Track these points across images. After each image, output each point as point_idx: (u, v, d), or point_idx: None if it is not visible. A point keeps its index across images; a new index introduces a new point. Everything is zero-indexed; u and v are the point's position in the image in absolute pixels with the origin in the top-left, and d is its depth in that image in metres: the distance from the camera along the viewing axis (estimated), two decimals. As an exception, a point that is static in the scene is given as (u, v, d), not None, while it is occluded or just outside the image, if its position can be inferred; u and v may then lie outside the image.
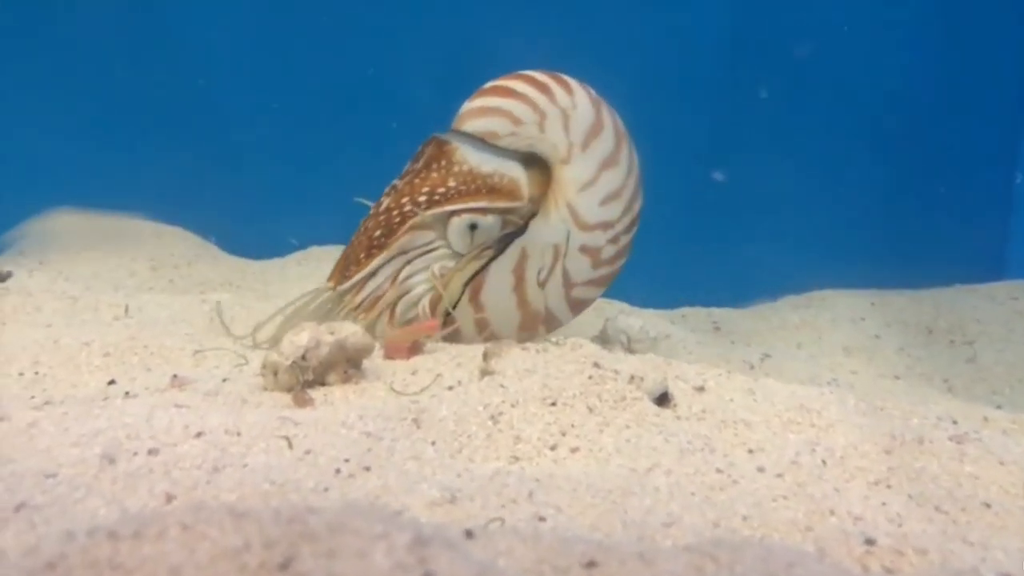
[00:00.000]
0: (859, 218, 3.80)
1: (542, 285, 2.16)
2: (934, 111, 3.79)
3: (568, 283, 2.20)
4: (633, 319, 2.34)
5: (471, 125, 2.11)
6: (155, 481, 1.05)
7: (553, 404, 1.47)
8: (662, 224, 4.00)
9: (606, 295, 3.59)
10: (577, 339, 1.69)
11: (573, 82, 2.24)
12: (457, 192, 2.04)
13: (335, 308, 2.05)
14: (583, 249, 2.18)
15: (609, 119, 2.25)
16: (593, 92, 2.28)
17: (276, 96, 3.92)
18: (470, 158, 2.08)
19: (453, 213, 2.04)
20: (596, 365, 1.55)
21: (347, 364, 1.70)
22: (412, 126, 2.41)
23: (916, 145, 3.86)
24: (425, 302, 2.07)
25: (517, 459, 1.35)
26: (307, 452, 1.19)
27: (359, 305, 2.05)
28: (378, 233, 2.05)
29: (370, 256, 2.03)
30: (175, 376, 1.90)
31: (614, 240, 2.23)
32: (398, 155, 2.34)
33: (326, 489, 1.06)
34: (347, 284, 2.05)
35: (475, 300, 2.14)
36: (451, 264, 2.08)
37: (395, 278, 2.05)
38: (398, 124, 3.62)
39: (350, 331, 1.69)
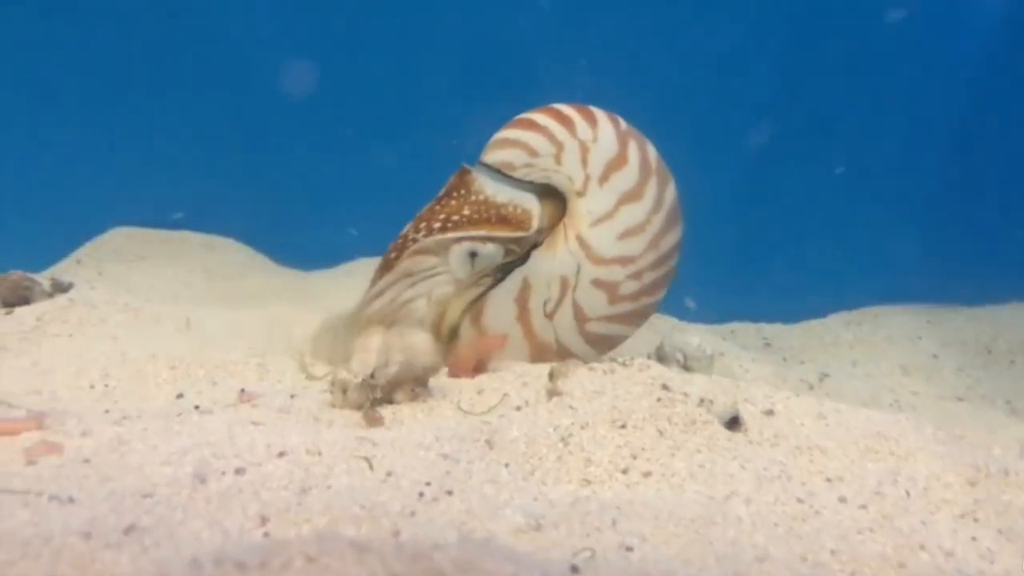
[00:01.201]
0: (913, 233, 3.74)
1: (549, 316, 2.15)
2: (993, 124, 3.73)
3: (581, 317, 2.17)
4: (690, 336, 2.32)
5: (491, 156, 2.16)
6: (246, 502, 1.07)
7: (623, 426, 1.47)
8: (710, 239, 3.99)
9: (661, 311, 3.60)
10: (644, 360, 1.69)
11: (601, 115, 2.23)
12: (468, 220, 2.08)
13: (353, 323, 2.11)
14: (597, 283, 2.15)
15: (636, 153, 2.21)
16: (624, 124, 2.26)
17: (323, 109, 3.96)
18: (487, 188, 2.12)
19: (455, 240, 2.07)
20: (665, 387, 1.55)
21: (414, 382, 1.72)
22: (469, 144, 2.43)
23: (972, 158, 3.80)
24: (427, 325, 2.09)
25: (589, 482, 1.35)
26: (388, 474, 1.20)
27: (369, 320, 2.08)
28: (393, 255, 2.12)
29: (382, 275, 2.10)
30: (243, 391, 1.94)
31: (636, 276, 2.18)
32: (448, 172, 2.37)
33: (412, 513, 1.07)
34: (361, 301, 2.12)
35: (476, 325, 2.13)
36: (449, 290, 2.11)
37: (395, 299, 2.10)
38: (457, 140, 3.64)
39: (419, 350, 1.70)
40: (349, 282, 3.70)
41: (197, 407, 1.88)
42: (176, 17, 3.87)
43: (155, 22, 3.83)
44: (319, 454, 1.26)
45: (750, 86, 3.76)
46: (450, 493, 1.15)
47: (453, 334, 2.15)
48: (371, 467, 1.22)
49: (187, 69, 3.89)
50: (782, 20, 3.76)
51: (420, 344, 1.71)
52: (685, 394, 1.52)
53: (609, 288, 2.17)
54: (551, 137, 2.16)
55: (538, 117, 2.20)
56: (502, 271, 2.12)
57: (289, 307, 2.88)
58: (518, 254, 2.13)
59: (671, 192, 2.28)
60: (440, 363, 1.71)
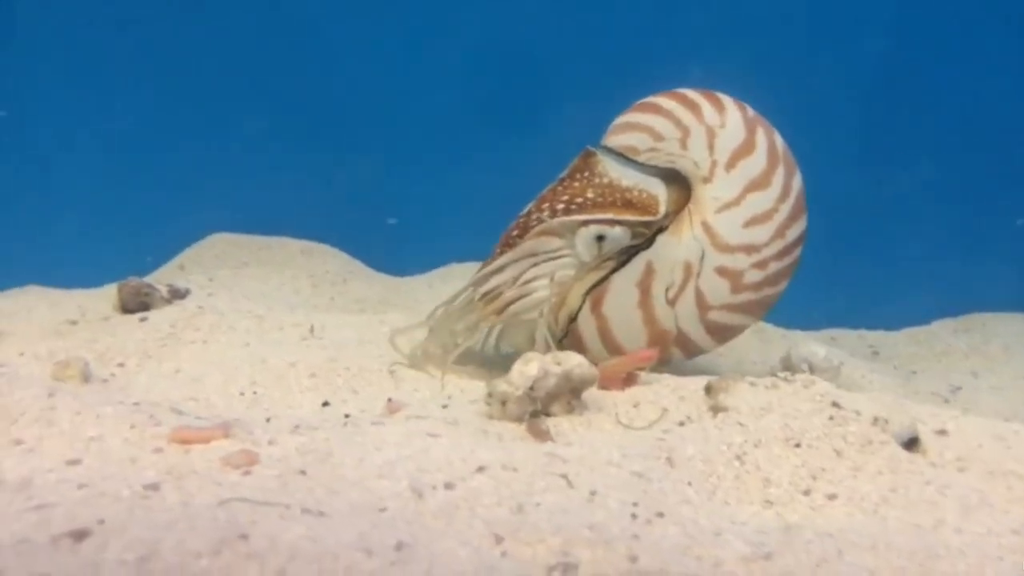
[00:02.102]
0: (1021, 235, 3.64)
1: (671, 303, 2.15)
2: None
3: (703, 305, 2.17)
4: (816, 346, 2.31)
5: (614, 140, 2.17)
6: (469, 518, 1.10)
7: (797, 445, 1.46)
8: (808, 240, 3.94)
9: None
10: (807, 375, 1.68)
11: (728, 100, 2.23)
12: (593, 203, 2.08)
13: (469, 298, 2.13)
14: (721, 271, 2.14)
15: (764, 140, 2.21)
16: (751, 111, 2.26)
17: (409, 113, 3.99)
18: (611, 171, 2.13)
19: (583, 223, 2.08)
20: (835, 405, 1.54)
21: (570, 395, 1.73)
22: (563, 144, 2.44)
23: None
24: (546, 307, 2.11)
25: (770, 503, 1.35)
26: (592, 493, 1.22)
27: (483, 295, 2.09)
28: (515, 233, 2.11)
29: (503, 253, 2.10)
30: (390, 400, 1.98)
31: (760, 265, 2.16)
32: (543, 174, 2.37)
33: (635, 536, 1.08)
34: (478, 275, 2.12)
35: (597, 310, 2.15)
36: (572, 272, 2.11)
37: (517, 278, 2.09)
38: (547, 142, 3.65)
39: (575, 362, 1.72)
40: (446, 288, 3.74)
41: (347, 416, 1.92)
42: (271, 21, 3.93)
43: (250, 26, 3.90)
44: (515, 470, 1.28)
45: (854, 74, 3.69)
46: (661, 515, 1.16)
47: (572, 320, 2.16)
48: (571, 485, 1.24)
49: (281, 72, 3.95)
50: (887, 9, 3.68)
51: (575, 359, 1.73)
52: (857, 412, 1.51)
53: (733, 276, 2.16)
54: (677, 122, 2.16)
55: (663, 101, 2.20)
56: (626, 255, 2.13)
57: (401, 314, 2.92)
58: (644, 238, 2.13)
59: (798, 181, 2.27)
60: (596, 375, 1.71)
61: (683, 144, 2.16)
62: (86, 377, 2.03)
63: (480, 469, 1.26)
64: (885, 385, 2.35)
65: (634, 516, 1.15)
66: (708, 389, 1.70)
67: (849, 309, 3.75)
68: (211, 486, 1.18)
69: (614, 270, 2.14)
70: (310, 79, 3.83)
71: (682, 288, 2.15)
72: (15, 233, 3.67)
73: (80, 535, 0.84)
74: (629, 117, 2.19)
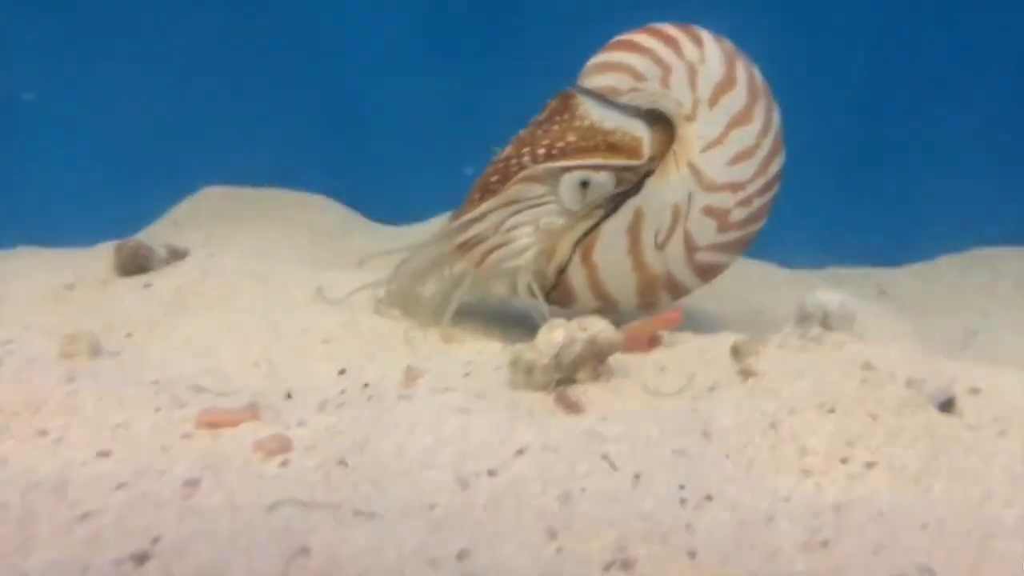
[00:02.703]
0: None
1: (661, 247, 2.12)
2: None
3: (691, 246, 2.14)
4: (832, 294, 2.27)
5: (593, 81, 2.09)
6: (521, 513, 1.08)
7: (831, 411, 1.45)
8: (801, 176, 3.90)
9: (758, 255, 3.55)
10: (838, 335, 1.67)
11: (706, 35, 2.17)
12: (575, 148, 2.02)
13: (443, 244, 2.08)
14: (708, 211, 2.11)
15: (744, 74, 2.16)
16: (729, 45, 2.20)
17: (407, 60, 3.87)
18: (593, 113, 2.06)
19: (566, 169, 2.02)
20: (868, 367, 1.53)
21: (596, 361, 1.71)
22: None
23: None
24: (530, 255, 2.05)
25: (808, 472, 1.35)
26: (636, 476, 1.21)
27: (462, 244, 2.05)
28: (494, 179, 2.05)
29: (483, 200, 2.03)
30: (408, 367, 1.95)
31: (745, 202, 2.14)
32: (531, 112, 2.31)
33: (688, 526, 1.08)
34: (455, 223, 2.06)
35: (587, 260, 2.11)
36: (557, 220, 2.05)
37: (499, 226, 2.05)
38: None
39: (600, 327, 1.69)
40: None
41: (366, 385, 1.90)
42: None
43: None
44: (555, 451, 1.27)
45: (855, 12, 3.60)
46: (709, 498, 1.15)
47: (561, 271, 2.13)
48: (614, 467, 1.23)
49: (267, 21, 3.81)
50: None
51: (600, 324, 1.70)
52: (891, 374, 1.50)
53: (720, 215, 2.14)
54: (657, 59, 2.10)
55: (641, 38, 2.13)
56: (614, 202, 2.09)
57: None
58: (631, 183, 2.09)
59: (777, 115, 2.24)
60: (621, 339, 1.69)
61: (664, 83, 2.09)
62: (96, 351, 1.98)
63: (520, 452, 1.25)
64: (899, 332, 2.35)
65: (683, 501, 1.14)
66: (735, 352, 1.68)
67: (850, 245, 3.73)
68: (252, 480, 1.16)
69: (603, 218, 2.09)
70: (300, 27, 3.69)
71: (671, 231, 2.12)
72: (1, 192, 3.57)
73: (140, 559, 0.82)
74: (606, 56, 2.11)
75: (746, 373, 1.60)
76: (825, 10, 3.64)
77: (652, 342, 1.83)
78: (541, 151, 2.03)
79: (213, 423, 1.44)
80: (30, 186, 3.57)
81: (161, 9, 3.62)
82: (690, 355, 1.74)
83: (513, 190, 2.03)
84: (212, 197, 3.76)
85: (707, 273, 2.26)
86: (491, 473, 1.18)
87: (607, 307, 2.18)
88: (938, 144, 3.68)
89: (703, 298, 2.76)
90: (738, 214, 2.17)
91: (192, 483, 1.14)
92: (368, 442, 1.26)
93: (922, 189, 3.71)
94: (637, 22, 2.27)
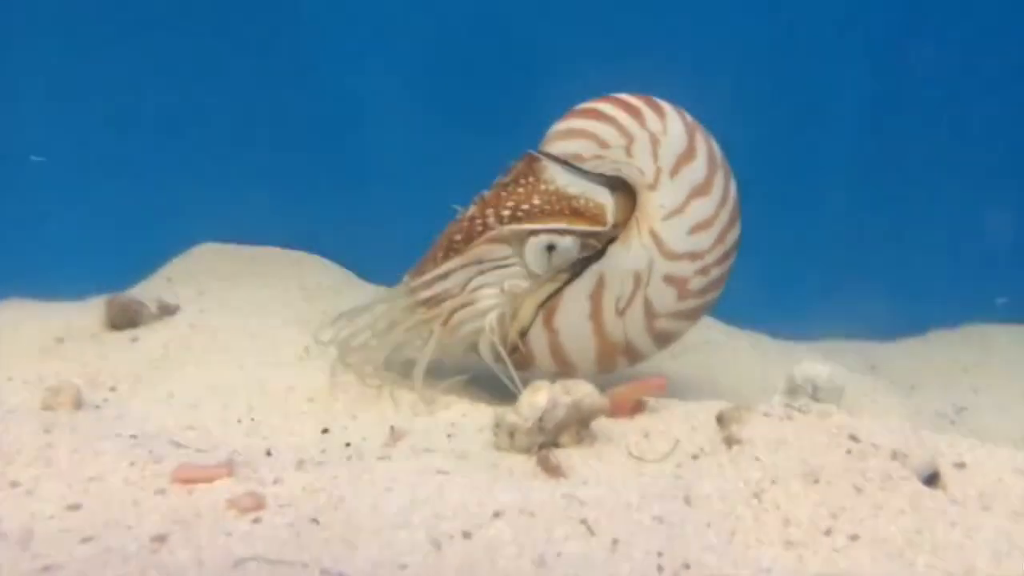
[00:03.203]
0: (1018, 244, 3.63)
1: (621, 314, 2.13)
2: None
3: (650, 313, 2.16)
4: (820, 367, 2.27)
5: (558, 147, 2.11)
6: (492, 575, 1.06)
7: (816, 481, 1.44)
8: (794, 249, 3.93)
9: (749, 325, 3.55)
10: (824, 406, 1.66)
11: (667, 106, 2.22)
12: (540, 211, 2.04)
13: (403, 301, 2.08)
14: (668, 279, 2.14)
15: (703, 146, 2.21)
16: (689, 117, 2.25)
17: (405, 122, 3.93)
18: (558, 178, 2.08)
19: (532, 232, 2.04)
20: (853, 438, 1.51)
21: (579, 425, 1.70)
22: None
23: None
24: (492, 317, 2.06)
25: (792, 544, 1.32)
26: (615, 542, 1.19)
27: (424, 301, 2.06)
28: (458, 238, 2.06)
29: (447, 258, 2.05)
30: (392, 428, 1.93)
31: (703, 271, 2.18)
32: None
33: (665, 591, 1.05)
34: (419, 280, 2.07)
35: (549, 324, 2.12)
36: (522, 283, 2.08)
37: (464, 285, 2.06)
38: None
39: (585, 391, 1.69)
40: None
41: (348, 444, 1.88)
42: (256, 27, 3.86)
43: (237, 32, 3.83)
44: (532, 515, 1.25)
45: (846, 93, 3.68)
46: (687, 567, 1.13)
47: (523, 334, 2.12)
48: (592, 532, 1.21)
49: (266, 80, 3.88)
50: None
51: (585, 388, 1.70)
52: (875, 445, 1.49)
53: (679, 283, 2.16)
54: (621, 128, 2.13)
55: (604, 106, 2.16)
56: (577, 267, 2.10)
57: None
58: (594, 249, 2.11)
59: (734, 186, 2.28)
60: (606, 405, 1.68)
61: (628, 151, 2.12)
62: (78, 404, 1.97)
63: (497, 515, 1.23)
64: (888, 406, 2.34)
65: (660, 568, 1.12)
66: (720, 419, 1.67)
67: (844, 319, 3.74)
68: (221, 537, 1.13)
69: (567, 283, 2.11)
70: (297, 86, 3.76)
71: (631, 298, 2.14)
72: (-6, 243, 3.58)
73: (95, 613, 0.80)
74: (571, 123, 2.15)
75: (731, 441, 1.58)
76: (819, 88, 3.72)
77: (636, 407, 1.82)
78: (506, 212, 2.05)
79: (188, 479, 1.42)
80: (23, 238, 3.58)
81: (158, 65, 3.69)
82: (675, 421, 1.72)
83: (479, 250, 2.05)
84: (206, 254, 3.77)
85: (665, 340, 2.28)
86: (466, 535, 1.16)
87: (565, 371, 2.18)
88: (931, 221, 3.73)
89: (690, 365, 2.76)
90: (697, 283, 2.20)
91: (160, 538, 1.11)
92: (343, 501, 1.24)
93: (914, 265, 3.73)
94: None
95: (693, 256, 2.17)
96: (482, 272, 2.06)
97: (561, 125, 2.15)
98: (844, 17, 3.73)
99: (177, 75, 3.77)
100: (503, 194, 2.08)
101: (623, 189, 2.16)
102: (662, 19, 3.67)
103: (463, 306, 2.06)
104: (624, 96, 2.21)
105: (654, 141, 2.15)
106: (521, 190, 2.07)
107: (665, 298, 2.17)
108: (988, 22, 3.70)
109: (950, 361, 3.01)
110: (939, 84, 3.71)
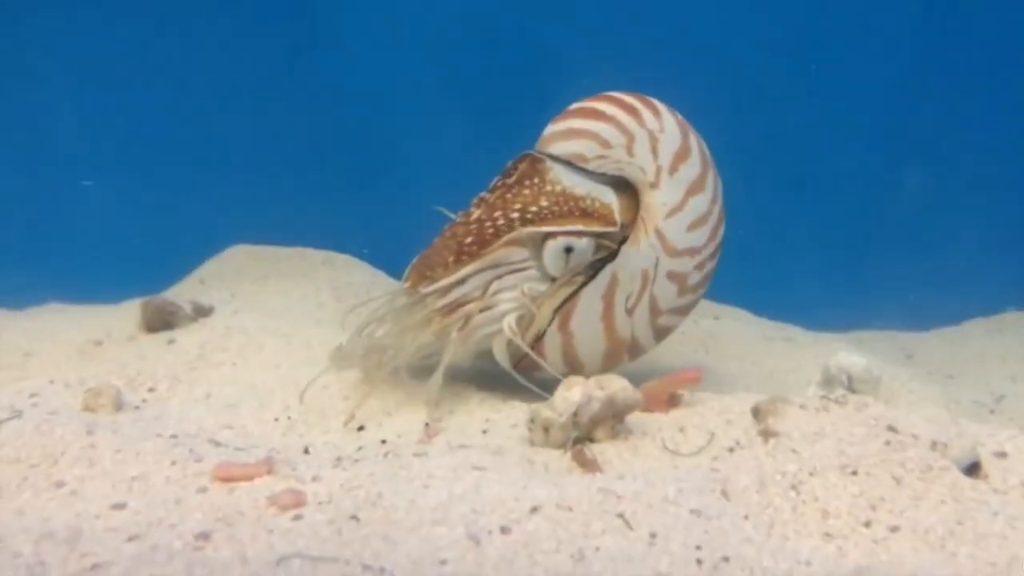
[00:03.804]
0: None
1: (630, 312, 2.13)
2: None
3: (655, 310, 2.16)
4: (856, 357, 2.26)
5: (559, 147, 2.09)
6: (533, 569, 1.07)
7: (854, 473, 1.42)
8: (828, 240, 3.89)
9: (782, 318, 3.52)
10: (860, 398, 1.64)
11: (661, 105, 2.21)
12: (550, 213, 2.01)
13: (416, 309, 2.00)
14: (671, 276, 2.15)
15: (696, 143, 2.21)
16: (680, 116, 2.25)
17: (436, 123, 3.94)
18: (564, 179, 2.06)
19: (549, 235, 2.01)
20: (891, 428, 1.50)
21: (614, 419, 1.70)
22: None
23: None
24: (511, 320, 2.02)
25: (831, 536, 1.32)
26: (652, 536, 1.19)
27: (440, 308, 2.00)
28: (469, 240, 2.00)
29: (459, 262, 1.98)
30: (427, 425, 1.95)
31: (700, 267, 2.20)
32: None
33: (704, 584, 1.05)
34: (433, 286, 1.98)
35: (564, 328, 2.10)
36: (540, 286, 2.04)
37: (483, 289, 2.01)
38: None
39: (619, 386, 1.69)
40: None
41: (384, 442, 1.90)
42: (290, 29, 3.90)
43: (269, 35, 3.87)
44: (570, 509, 1.25)
45: (877, 77, 3.64)
46: (726, 559, 1.13)
47: (538, 338, 2.11)
48: (629, 526, 1.21)
49: (300, 81, 3.91)
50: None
51: (619, 383, 1.69)
52: (914, 436, 1.48)
53: (680, 279, 2.18)
54: (622, 128, 2.11)
55: (603, 106, 2.14)
56: (592, 268, 2.08)
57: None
58: (610, 249, 2.09)
59: (721, 183, 2.30)
60: (640, 400, 1.68)
61: (629, 151, 2.11)
62: (118, 405, 2.01)
63: (534, 509, 1.23)
64: (925, 395, 2.30)
65: (699, 562, 1.12)
66: (756, 412, 1.66)
67: (877, 309, 3.70)
68: (263, 534, 1.15)
69: (583, 285, 2.08)
70: (328, 89, 3.79)
71: (640, 296, 2.14)
72: (33, 249, 3.65)
73: (145, 609, 0.82)
74: (572, 123, 2.11)
75: (767, 433, 1.57)
76: (850, 75, 3.68)
77: (671, 401, 1.81)
78: (515, 214, 2.01)
79: (228, 477, 1.44)
80: (61, 244, 3.65)
81: (191, 72, 3.73)
82: (710, 415, 1.72)
83: (497, 254, 2.00)
84: (238, 255, 3.81)
85: (664, 335, 2.29)
86: (504, 530, 1.17)
87: (572, 372, 2.16)
88: (965, 208, 3.67)
89: (724, 358, 2.75)
90: (694, 278, 2.21)
91: (204, 536, 1.13)
92: (382, 497, 1.25)
93: (949, 253, 3.68)
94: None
95: (692, 252, 2.18)
96: (499, 276, 2.02)
97: (560, 125, 2.12)
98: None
99: (209, 81, 3.82)
100: (508, 196, 2.04)
101: (624, 188, 2.15)
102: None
103: (482, 311, 2.01)
104: (619, 95, 2.19)
105: (653, 139, 2.14)
106: (527, 192, 2.04)
107: (668, 294, 2.18)
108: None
109: (987, 350, 2.97)
110: (971, 65, 3.65)
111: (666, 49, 3.63)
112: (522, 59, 3.76)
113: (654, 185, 2.14)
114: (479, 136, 3.65)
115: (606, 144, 2.10)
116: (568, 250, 2.02)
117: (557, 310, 2.09)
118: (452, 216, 2.16)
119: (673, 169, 2.16)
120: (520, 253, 2.02)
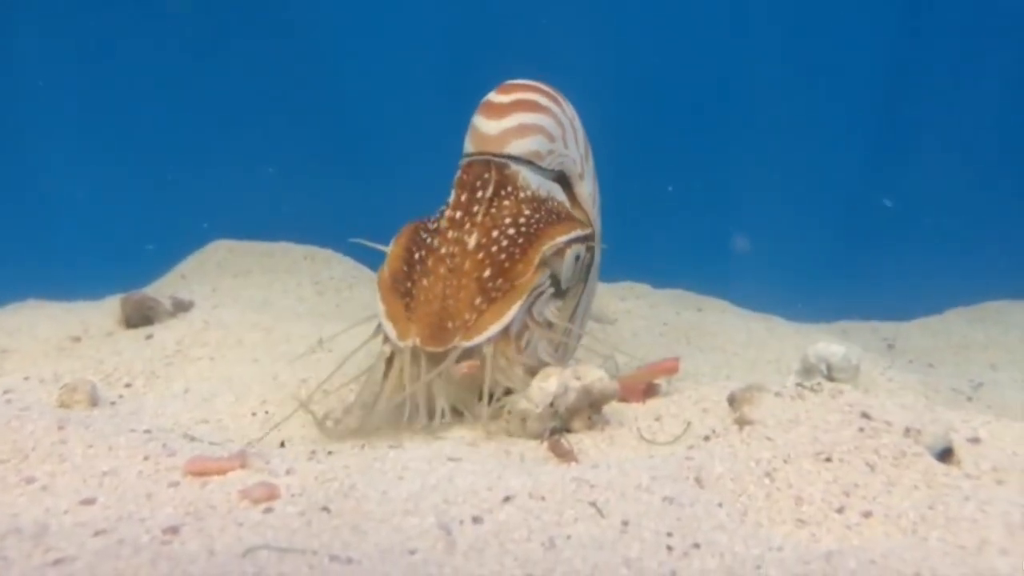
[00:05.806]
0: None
1: (582, 304, 2.10)
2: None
3: (591, 297, 2.19)
4: (835, 347, 2.26)
5: (516, 147, 1.89)
6: (501, 557, 1.06)
7: (828, 460, 1.42)
8: (816, 232, 3.91)
9: (765, 309, 3.53)
10: (835, 385, 1.64)
11: (556, 90, 2.08)
12: (544, 222, 1.84)
13: (503, 363, 1.72)
14: (599, 263, 2.17)
15: (583, 129, 2.17)
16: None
17: (419, 118, 3.92)
18: (531, 182, 1.89)
19: (564, 246, 1.86)
20: (865, 415, 1.50)
21: (590, 410, 1.70)
22: None
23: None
24: (544, 347, 1.83)
25: (804, 523, 1.32)
26: (624, 523, 1.18)
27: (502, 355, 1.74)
28: (488, 274, 1.74)
29: (491, 300, 1.72)
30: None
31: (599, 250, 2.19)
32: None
33: (673, 572, 1.05)
34: (477, 339, 1.69)
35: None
36: (558, 300, 1.89)
37: (532, 317, 1.80)
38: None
39: (595, 376, 1.68)
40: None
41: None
42: (270, 25, 3.88)
43: (251, 32, 3.85)
44: (543, 499, 1.25)
45: (860, 76, 3.65)
46: (697, 546, 1.13)
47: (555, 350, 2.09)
48: (601, 514, 1.20)
49: (280, 77, 3.89)
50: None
51: (595, 373, 1.69)
52: (888, 423, 1.48)
53: (597, 265, 2.17)
54: (556, 119, 2.00)
55: (536, 97, 1.97)
56: (586, 271, 2.03)
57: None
58: (593, 250, 2.04)
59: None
60: (617, 389, 1.67)
61: (565, 142, 2.00)
62: (94, 401, 1.99)
63: (507, 499, 1.23)
64: (904, 383, 2.31)
65: (670, 548, 1.11)
66: (732, 401, 1.66)
67: (860, 300, 3.72)
68: (233, 527, 1.14)
69: (583, 290, 2.04)
70: (311, 85, 3.77)
71: (594, 287, 2.18)
72: (12, 245, 3.62)
73: (103, 602, 0.81)
74: (519, 118, 1.90)
75: (742, 421, 1.57)
76: (833, 71, 3.69)
77: (648, 391, 1.81)
78: (511, 230, 1.81)
79: (200, 471, 1.43)
80: (41, 241, 3.62)
81: (172, 69, 3.71)
82: (687, 404, 1.71)
83: (530, 284, 1.76)
84: (220, 251, 3.79)
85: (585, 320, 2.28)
86: (476, 520, 1.16)
87: None
88: (947, 200, 3.69)
89: (705, 349, 2.75)
90: (599, 261, 2.20)
91: (172, 529, 1.12)
92: (354, 489, 1.24)
93: (930, 244, 3.70)
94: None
95: (601, 236, 2.17)
96: (532, 304, 1.80)
97: (508, 121, 1.89)
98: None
99: (189, 76, 3.79)
100: (493, 211, 1.82)
101: (562, 182, 2.05)
102: None
103: (546, 336, 1.83)
104: (537, 83, 2.01)
105: (573, 129, 2.07)
106: (507, 203, 1.84)
107: (596, 281, 2.20)
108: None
109: (969, 338, 2.98)
110: (953, 65, 3.67)
111: (666, 49, 3.64)
112: (515, 54, 3.75)
113: (582, 176, 2.10)
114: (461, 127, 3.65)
115: (551, 138, 1.95)
116: (577, 258, 1.90)
117: (570, 320, 1.98)
118: (379, 247, 1.99)
119: (586, 158, 2.13)
120: (543, 273, 1.82)
